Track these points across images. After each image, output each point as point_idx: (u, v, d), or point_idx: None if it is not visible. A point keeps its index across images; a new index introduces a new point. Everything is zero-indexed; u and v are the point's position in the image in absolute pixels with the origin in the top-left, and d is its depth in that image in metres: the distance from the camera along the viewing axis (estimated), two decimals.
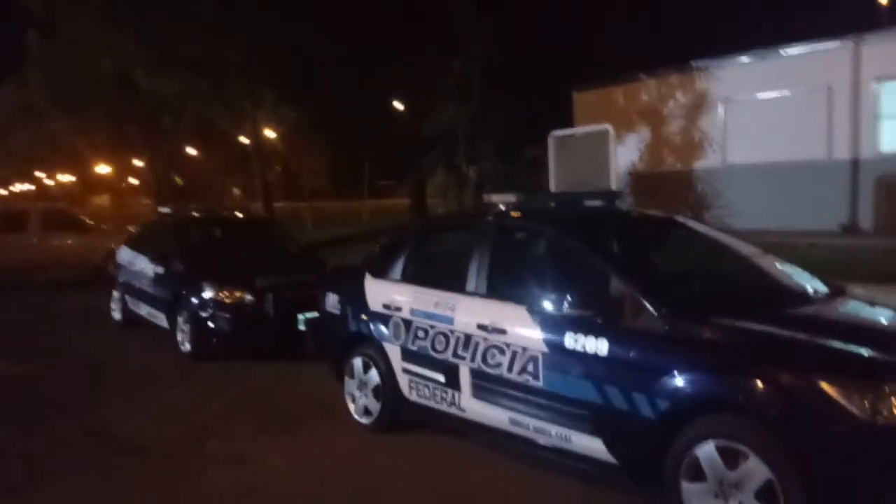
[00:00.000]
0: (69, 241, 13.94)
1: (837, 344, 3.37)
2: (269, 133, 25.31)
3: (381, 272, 5.28)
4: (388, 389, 5.04)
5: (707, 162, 15.14)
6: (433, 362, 4.64)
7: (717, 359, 3.37)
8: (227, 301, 7.42)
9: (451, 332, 4.51)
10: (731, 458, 3.22)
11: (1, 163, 47.43)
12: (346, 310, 5.46)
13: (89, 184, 50.62)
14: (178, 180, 36.78)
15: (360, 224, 24.12)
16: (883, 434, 2.95)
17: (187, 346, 7.63)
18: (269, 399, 6.16)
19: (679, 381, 3.41)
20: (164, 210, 10.22)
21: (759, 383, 3.19)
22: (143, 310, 8.81)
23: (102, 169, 42.31)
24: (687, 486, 3.38)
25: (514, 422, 4.19)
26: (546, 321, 3.98)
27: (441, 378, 4.60)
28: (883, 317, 3.96)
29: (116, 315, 9.65)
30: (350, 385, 5.38)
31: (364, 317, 5.23)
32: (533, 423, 4.07)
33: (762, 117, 13.87)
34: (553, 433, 3.97)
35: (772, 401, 3.15)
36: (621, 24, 19.14)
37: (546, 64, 17.70)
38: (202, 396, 6.27)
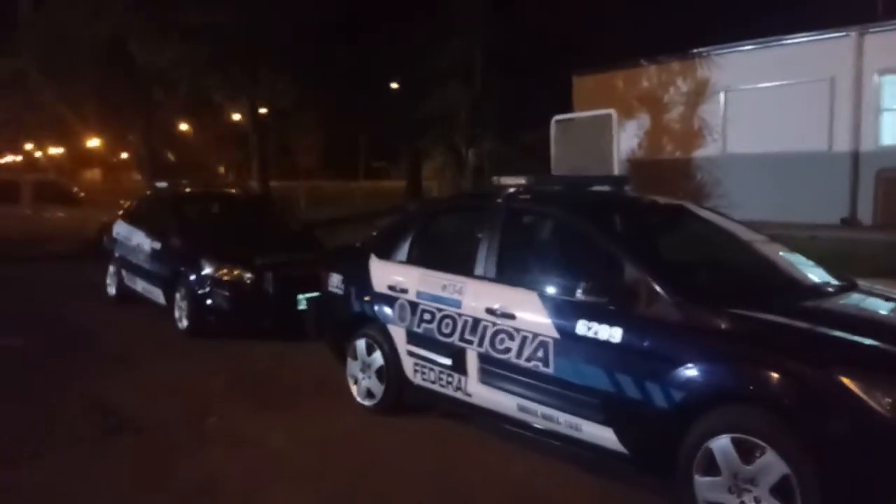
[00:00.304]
0: (60, 214, 13.77)
1: (857, 338, 3.31)
2: (265, 110, 25.05)
3: (386, 253, 5.20)
4: (391, 372, 4.98)
5: (707, 151, 15.08)
6: (439, 345, 4.57)
7: (734, 349, 3.32)
8: (226, 279, 7.35)
9: (459, 315, 4.45)
10: (746, 451, 3.17)
11: None
12: (350, 290, 5.39)
13: (80, 157, 50.08)
14: (171, 156, 36.44)
15: (355, 205, 23.97)
16: None
17: (184, 323, 7.55)
18: (268, 378, 6.10)
19: (695, 371, 3.36)
20: (161, 185, 10.08)
21: (778, 376, 3.14)
22: (139, 285, 8.71)
23: (93, 142, 41.86)
24: (700, 480, 3.33)
25: (521, 408, 4.14)
26: (557, 307, 3.92)
27: (447, 362, 4.54)
28: None
29: (111, 290, 9.54)
30: (352, 367, 5.32)
31: (368, 298, 5.16)
32: (541, 409, 4.02)
33: (763, 107, 13.80)
34: (562, 421, 3.92)
35: (790, 394, 3.11)
36: (623, 9, 18.99)
37: (546, 47, 17.55)
38: (200, 374, 6.21)
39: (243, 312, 7.35)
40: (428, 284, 4.69)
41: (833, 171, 13.11)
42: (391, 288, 4.96)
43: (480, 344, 4.31)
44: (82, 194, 15.18)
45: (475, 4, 16.73)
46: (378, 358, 5.08)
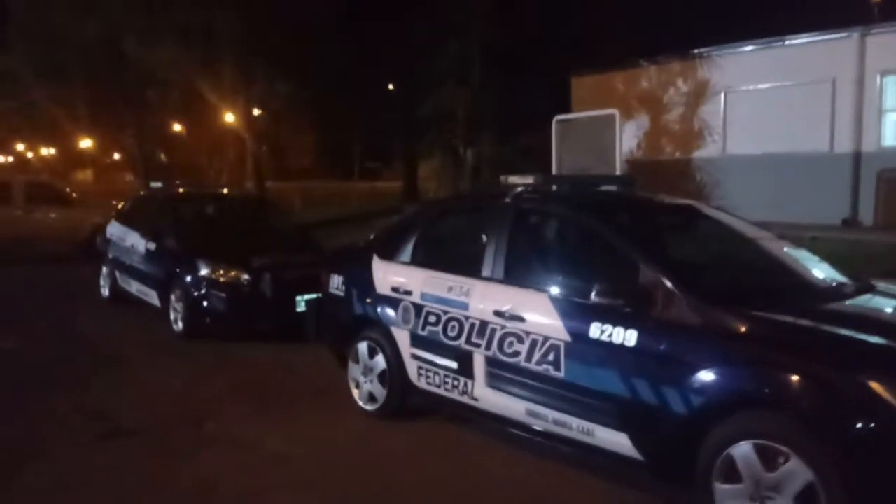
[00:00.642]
0: (53, 215, 13.59)
1: (882, 340, 3.21)
2: (259, 111, 24.89)
3: (389, 254, 5.07)
4: (394, 375, 4.86)
5: (707, 151, 14.99)
6: (445, 349, 4.45)
7: (756, 353, 3.20)
8: (223, 280, 7.21)
9: (466, 318, 4.32)
10: (769, 458, 3.06)
11: None
12: (352, 292, 5.25)
13: (72, 158, 49.76)
14: (164, 157, 36.23)
15: (351, 206, 23.83)
16: None
17: (180, 325, 7.42)
18: (266, 382, 5.96)
19: (714, 375, 3.24)
20: (156, 185, 9.93)
21: (803, 380, 3.03)
22: (134, 287, 8.57)
23: (86, 143, 41.61)
24: (720, 488, 3.21)
25: (531, 413, 4.02)
26: (569, 309, 3.81)
27: (453, 365, 4.41)
28: None
29: (105, 291, 9.42)
30: (354, 370, 5.19)
31: (370, 300, 5.03)
32: (552, 414, 3.90)
33: (764, 108, 13.73)
34: (574, 426, 3.80)
35: (815, 399, 3.00)
36: (622, 9, 18.90)
37: (544, 47, 17.45)
38: (196, 377, 6.08)
39: (240, 314, 7.21)
40: (433, 286, 4.57)
41: (834, 172, 13.04)
42: (395, 289, 4.83)
43: (488, 347, 4.18)
44: (75, 195, 14.98)
45: (475, 4, 16.60)
46: (380, 361, 4.95)
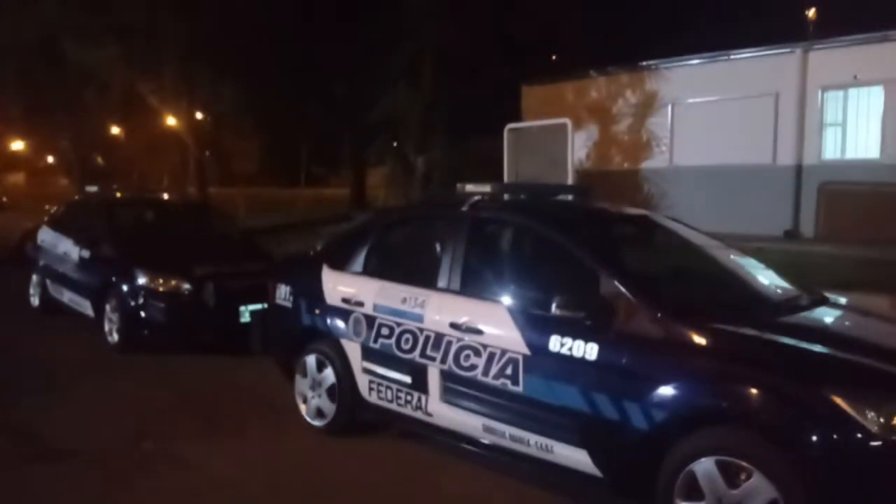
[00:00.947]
0: None
1: (842, 354, 3.19)
2: (202, 114, 24.25)
3: (340, 264, 4.89)
4: (344, 390, 4.68)
5: (654, 162, 15.21)
6: (398, 362, 4.30)
7: (718, 367, 3.16)
8: (162, 289, 6.90)
9: (420, 330, 4.18)
10: (732, 475, 3.01)
11: None
12: (300, 303, 5.05)
13: (3, 160, 47.82)
14: (100, 160, 35.08)
15: (297, 213, 23.38)
16: None
17: (115, 337, 7.08)
18: (209, 397, 5.70)
19: (676, 389, 3.18)
20: (91, 189, 9.50)
21: (766, 395, 2.99)
22: (66, 296, 8.16)
23: (17, 145, 40.01)
24: None
25: (487, 428, 3.89)
26: (528, 322, 3.70)
27: (407, 379, 4.27)
28: (882, 327, 3.83)
29: (35, 301, 8.99)
30: (301, 384, 4.98)
31: (320, 311, 4.85)
32: (509, 430, 3.78)
33: (709, 120, 14.00)
34: (532, 442, 3.69)
35: (780, 414, 2.96)
36: (576, 18, 19.02)
37: (497, 53, 17.43)
38: (134, 393, 5.79)
39: (181, 326, 6.90)
40: (386, 297, 4.41)
41: (777, 184, 13.36)
42: (346, 300, 4.66)
43: (443, 360, 4.04)
44: (5, 199, 14.34)
45: (427, 6, 16.46)
46: (329, 375, 4.76)
